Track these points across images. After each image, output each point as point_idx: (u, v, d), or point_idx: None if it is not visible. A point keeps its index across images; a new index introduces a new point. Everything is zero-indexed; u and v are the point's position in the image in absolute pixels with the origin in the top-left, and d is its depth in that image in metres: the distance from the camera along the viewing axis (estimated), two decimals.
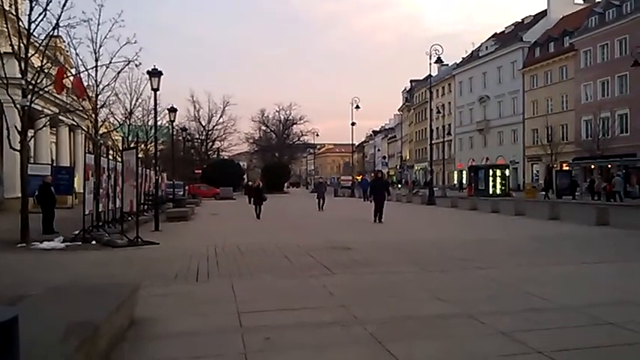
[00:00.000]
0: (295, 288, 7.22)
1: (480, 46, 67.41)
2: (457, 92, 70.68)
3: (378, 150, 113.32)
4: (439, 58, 32.99)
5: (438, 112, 57.34)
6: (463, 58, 71.38)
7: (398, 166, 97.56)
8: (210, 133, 68.42)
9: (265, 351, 4.52)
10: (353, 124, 51.44)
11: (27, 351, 2.91)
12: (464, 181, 61.68)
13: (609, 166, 39.99)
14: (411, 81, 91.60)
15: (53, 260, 10.38)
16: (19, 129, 13.11)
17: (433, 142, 40.73)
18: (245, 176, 68.53)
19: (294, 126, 76.00)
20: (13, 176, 20.57)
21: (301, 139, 77.65)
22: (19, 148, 13.17)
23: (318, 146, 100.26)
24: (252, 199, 20.78)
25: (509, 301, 6.30)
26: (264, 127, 76.90)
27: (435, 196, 32.64)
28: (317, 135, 76.01)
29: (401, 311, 5.82)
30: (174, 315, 5.74)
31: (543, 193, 37.99)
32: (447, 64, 62.50)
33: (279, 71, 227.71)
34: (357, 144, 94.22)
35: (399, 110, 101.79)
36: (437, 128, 55.94)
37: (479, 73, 64.93)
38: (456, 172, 68.87)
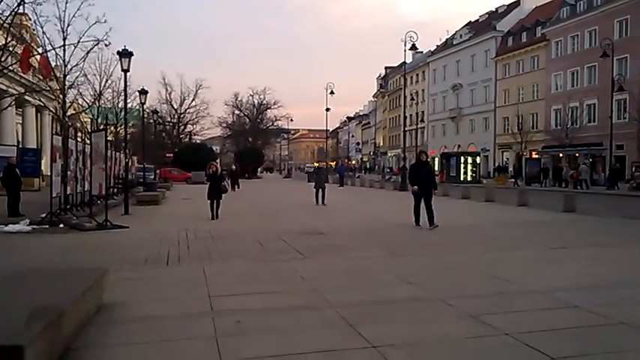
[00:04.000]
0: (267, 272, 7.20)
1: (455, 34, 67.83)
2: (431, 80, 71.12)
3: (352, 136, 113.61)
4: (414, 45, 33.06)
5: (412, 99, 57.69)
6: (437, 46, 71.74)
7: (372, 153, 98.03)
8: (182, 116, 67.42)
9: (236, 335, 4.50)
10: (327, 109, 51.45)
11: None
12: (436, 168, 62.36)
13: (577, 154, 40.92)
14: (386, 68, 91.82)
15: (19, 244, 10.13)
16: None
17: (407, 129, 40.99)
18: (218, 161, 67.98)
19: (268, 110, 75.52)
20: None
21: (275, 123, 77.27)
22: None
23: (292, 131, 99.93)
24: (209, 190, 14.81)
25: (478, 284, 6.40)
26: (237, 112, 76.24)
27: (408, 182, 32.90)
28: (291, 120, 75.89)
29: (372, 295, 5.86)
30: (144, 299, 5.67)
31: (513, 180, 38.73)
32: (422, 52, 62.86)
33: (253, 56, 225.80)
34: (331, 130, 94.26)
35: (373, 97, 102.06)
36: (410, 115, 56.23)
37: (453, 61, 65.40)
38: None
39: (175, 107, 67.00)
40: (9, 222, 12.34)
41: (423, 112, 67.86)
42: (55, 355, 3.79)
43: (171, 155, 53.56)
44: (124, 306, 5.34)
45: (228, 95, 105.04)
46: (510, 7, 60.61)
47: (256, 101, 74.96)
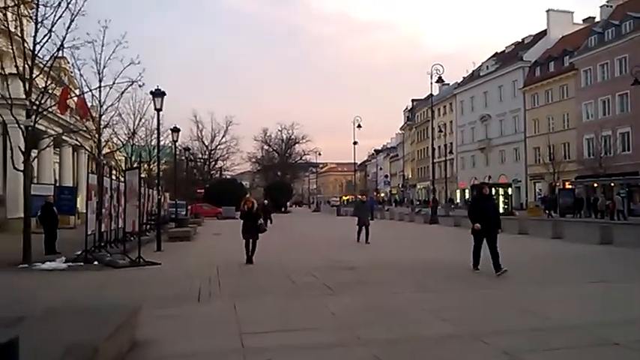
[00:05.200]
0: (298, 308, 7.16)
1: (481, 65, 67.85)
2: (458, 111, 70.92)
3: (381, 169, 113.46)
4: (440, 77, 33.22)
5: (440, 130, 57.64)
6: (464, 78, 71.77)
7: (400, 185, 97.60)
8: (212, 152, 68.59)
9: None
10: (355, 143, 51.68)
11: None
12: (466, 199, 61.84)
13: (612, 184, 39.92)
14: (413, 100, 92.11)
15: (55, 281, 10.32)
16: (23, 149, 13.16)
17: (435, 160, 40.84)
18: (248, 196, 68.45)
19: (297, 145, 76.28)
20: (16, 196, 20.59)
21: (303, 158, 77.84)
22: (22, 168, 13.20)
23: (320, 165, 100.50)
24: (244, 229, 12.64)
25: (513, 320, 6.24)
26: (266, 147, 77.17)
27: (438, 214, 32.55)
28: (319, 154, 76.21)
29: (405, 332, 5.77)
30: (176, 336, 5.70)
31: (547, 211, 37.93)
32: (448, 84, 62.93)
33: (281, 91, 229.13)
34: (359, 163, 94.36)
35: (400, 129, 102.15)
36: (439, 147, 56.08)
37: (480, 92, 65.22)
38: (458, 191, 68.84)
39: (206, 144, 68.28)
40: (46, 259, 12.61)
41: (451, 143, 67.50)
42: None
43: (202, 191, 54.26)
44: (157, 343, 5.37)
45: (257, 131, 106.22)
46: (536, 38, 60.45)
47: (284, 136, 75.99)
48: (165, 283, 9.60)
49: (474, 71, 69.55)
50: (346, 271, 10.63)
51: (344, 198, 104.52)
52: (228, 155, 69.05)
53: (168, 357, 4.96)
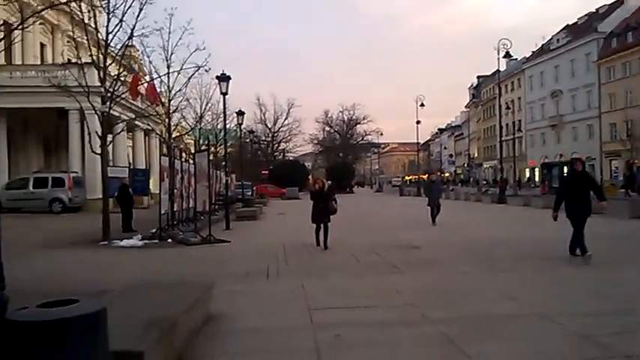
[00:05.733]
0: (363, 286, 7.23)
1: (551, 38, 64.64)
2: (527, 87, 68.10)
3: (445, 148, 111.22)
4: (507, 52, 31.95)
5: (508, 107, 55.40)
6: (533, 52, 68.67)
7: (466, 165, 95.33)
8: (275, 134, 69.78)
9: (336, 347, 4.57)
10: (418, 122, 50.72)
11: (112, 340, 3.10)
12: (536, 179, 59.64)
13: None
14: (478, 77, 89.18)
15: (132, 257, 10.92)
16: (100, 134, 13.90)
17: (503, 139, 39.45)
18: (310, 176, 69.26)
19: (358, 126, 75.91)
20: (94, 178, 21.79)
21: (365, 138, 77.44)
22: (99, 151, 13.97)
23: (382, 145, 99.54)
24: (314, 212, 11.60)
25: (588, 302, 6.02)
26: (328, 128, 77.33)
27: (507, 194, 31.60)
28: (381, 134, 75.69)
29: (471, 310, 5.71)
30: (248, 311, 5.90)
31: (623, 190, 35.96)
32: (516, 59, 60.36)
33: (342, 71, 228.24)
34: (422, 142, 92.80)
35: (465, 107, 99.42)
36: (506, 125, 54.03)
37: (550, 67, 62.30)
38: (527, 170, 66.43)
39: (269, 126, 69.50)
40: (123, 237, 13.38)
41: (519, 120, 65.02)
42: None
43: (267, 172, 55.37)
44: (230, 318, 5.59)
45: (318, 112, 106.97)
46: (612, 7, 56.76)
47: (346, 117, 75.79)
48: (235, 260, 9.94)
49: (543, 45, 66.38)
50: (411, 250, 10.60)
51: (406, 178, 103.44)
52: (291, 137, 70.26)
53: (242, 331, 5.15)
